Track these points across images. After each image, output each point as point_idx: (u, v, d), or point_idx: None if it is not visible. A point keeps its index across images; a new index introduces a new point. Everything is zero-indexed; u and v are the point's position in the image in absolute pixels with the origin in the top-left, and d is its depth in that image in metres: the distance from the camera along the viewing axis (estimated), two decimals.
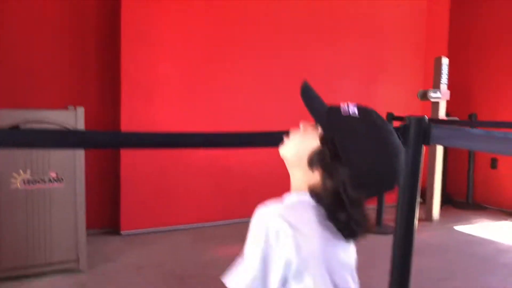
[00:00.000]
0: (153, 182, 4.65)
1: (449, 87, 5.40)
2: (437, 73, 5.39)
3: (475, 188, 6.18)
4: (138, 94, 4.50)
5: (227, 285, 1.02)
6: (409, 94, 5.71)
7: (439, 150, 5.47)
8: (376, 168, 1.02)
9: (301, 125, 1.13)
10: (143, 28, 4.47)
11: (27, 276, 3.42)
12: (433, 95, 5.28)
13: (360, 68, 5.75)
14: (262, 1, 5.05)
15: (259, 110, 5.00)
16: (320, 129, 1.08)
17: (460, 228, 5.21)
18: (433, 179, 5.46)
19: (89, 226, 3.81)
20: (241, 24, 4.94)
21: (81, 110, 3.50)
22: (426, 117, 1.65)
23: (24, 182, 3.40)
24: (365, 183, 1.02)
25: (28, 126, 3.25)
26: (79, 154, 3.55)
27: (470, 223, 5.40)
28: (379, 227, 4.98)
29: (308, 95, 1.12)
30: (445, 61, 5.37)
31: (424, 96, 5.31)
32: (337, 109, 1.07)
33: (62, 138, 1.15)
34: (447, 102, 5.46)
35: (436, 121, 4.84)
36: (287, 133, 1.15)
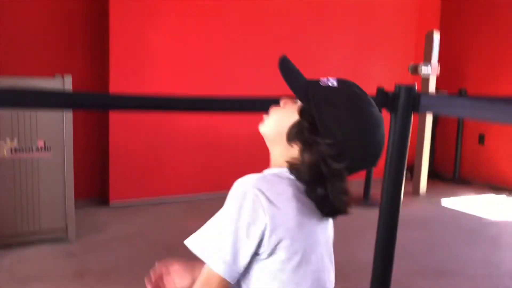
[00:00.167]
0: (142, 153, 4.64)
1: (439, 62, 5.40)
2: (428, 48, 5.37)
3: (462, 164, 6.25)
4: (126, 62, 4.44)
5: (192, 248, 1.00)
6: (400, 69, 5.70)
7: (428, 125, 5.50)
8: (356, 138, 1.00)
9: (281, 102, 1.11)
10: None
11: (15, 245, 3.42)
12: (423, 69, 5.28)
13: (351, 42, 5.71)
14: None
15: (247, 78, 4.95)
16: (299, 103, 1.07)
17: (446, 202, 5.29)
18: (421, 153, 5.50)
19: (77, 196, 3.81)
20: None
21: (68, 79, 3.44)
22: (416, 85, 1.65)
23: (11, 151, 3.36)
24: (346, 154, 0.99)
25: None
26: (68, 124, 3.52)
27: (456, 197, 5.48)
28: (366, 201, 5.04)
29: (286, 68, 1.10)
30: (436, 35, 5.35)
31: (414, 70, 5.30)
32: (316, 82, 1.06)
33: (49, 98, 1.13)
34: (437, 77, 5.47)
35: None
36: (266, 111, 1.13)
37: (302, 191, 1.02)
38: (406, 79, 5.65)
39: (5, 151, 3.33)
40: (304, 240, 1.01)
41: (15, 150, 3.37)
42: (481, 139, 6.12)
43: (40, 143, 3.45)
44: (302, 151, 1.03)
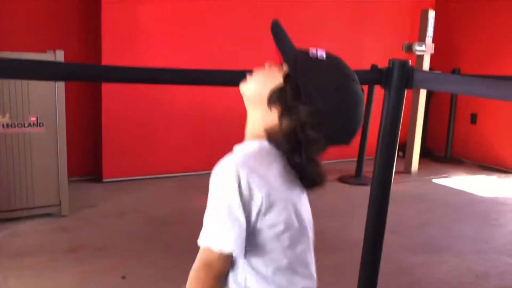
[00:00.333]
0: (136, 130, 4.63)
1: (434, 41, 5.39)
2: (423, 26, 5.35)
3: (454, 143, 6.29)
4: (119, 38, 4.39)
5: (214, 248, 0.97)
6: (394, 47, 5.67)
7: (421, 104, 5.52)
8: (336, 111, 1.01)
9: (266, 65, 1.11)
10: None
11: (9, 220, 3.43)
12: (418, 48, 5.26)
13: (345, 20, 5.68)
14: None
15: (239, 53, 4.91)
16: (285, 68, 1.07)
17: (437, 180, 5.35)
18: (413, 132, 5.53)
19: (71, 173, 3.81)
20: None
21: (60, 54, 3.41)
22: (410, 61, 1.65)
23: (3, 126, 3.35)
24: (324, 125, 1.00)
25: None
26: (60, 99, 3.50)
27: (448, 176, 5.53)
28: (359, 178, 5.08)
29: (278, 32, 1.10)
30: (431, 13, 5.32)
31: (409, 49, 5.29)
32: (305, 51, 1.06)
33: (41, 69, 1.12)
34: (431, 56, 5.46)
35: None
36: (250, 72, 1.12)
37: (286, 163, 1.03)
38: (401, 57, 5.62)
39: None
40: (292, 212, 1.04)
41: (7, 126, 3.35)
42: (473, 118, 6.15)
43: (33, 119, 3.43)
44: (281, 116, 1.03)
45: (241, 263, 1.02)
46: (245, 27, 4.99)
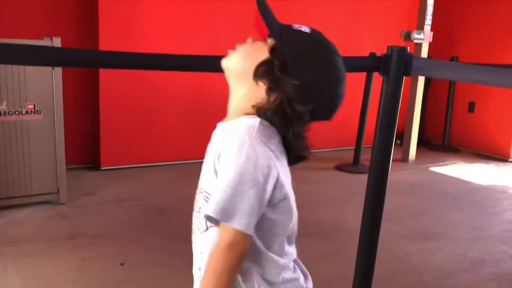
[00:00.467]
0: (134, 117, 4.62)
1: (432, 29, 5.37)
2: (422, 14, 5.33)
3: (451, 131, 6.30)
4: (115, 25, 4.37)
5: (244, 231, 0.93)
6: (392, 35, 5.65)
7: (419, 92, 5.52)
8: (322, 83, 1.01)
9: (249, 40, 1.09)
10: None
11: (7, 207, 3.44)
12: (416, 36, 5.25)
13: (343, 8, 5.64)
14: None
15: (237, 39, 4.89)
16: (270, 41, 1.05)
17: (434, 168, 5.36)
18: (411, 120, 5.54)
19: (69, 161, 3.81)
20: None
21: (57, 40, 3.39)
22: (408, 48, 1.64)
23: (0, 114, 3.34)
24: (310, 98, 1.00)
25: None
26: (57, 87, 3.48)
27: (445, 164, 5.55)
28: (356, 167, 5.09)
29: (263, 5, 1.07)
30: (430, 1, 5.30)
31: (407, 37, 5.28)
32: (289, 25, 1.06)
33: (38, 54, 1.11)
34: (430, 44, 5.45)
35: None
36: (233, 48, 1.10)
37: (279, 138, 1.03)
38: (399, 45, 5.61)
39: None
40: (290, 186, 1.05)
41: (4, 113, 3.35)
42: (471, 107, 6.15)
43: (30, 106, 3.42)
44: (269, 90, 1.01)
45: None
46: (245, 13, 4.96)
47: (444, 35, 6.04)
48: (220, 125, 1.11)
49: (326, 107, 1.04)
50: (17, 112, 3.39)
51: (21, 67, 3.35)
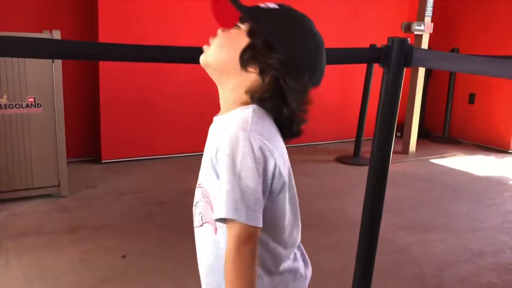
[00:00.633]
0: (134, 111, 4.61)
1: (433, 20, 5.35)
2: (422, 5, 5.31)
3: (452, 123, 6.30)
4: (115, 19, 4.35)
5: (253, 223, 0.93)
6: (393, 26, 5.63)
7: (420, 84, 5.51)
8: (307, 52, 1.01)
9: (219, 31, 1.07)
10: None
11: (9, 200, 3.45)
12: (417, 27, 5.23)
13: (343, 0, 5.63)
14: None
15: None
16: (244, 26, 1.03)
17: (435, 160, 5.37)
18: (412, 112, 5.53)
19: (70, 155, 3.81)
20: None
21: (57, 33, 3.38)
22: (409, 39, 1.64)
23: (0, 107, 3.34)
24: (301, 69, 1.00)
25: None
26: (57, 80, 3.48)
27: (445, 156, 5.55)
28: (357, 159, 5.10)
29: None
30: None
31: (408, 28, 5.26)
32: (255, 5, 1.03)
33: (38, 46, 1.11)
34: (430, 35, 5.43)
35: None
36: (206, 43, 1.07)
37: (272, 119, 1.02)
38: (399, 37, 5.59)
39: None
40: (288, 165, 1.05)
41: (5, 106, 3.34)
42: (472, 98, 6.15)
43: (30, 99, 3.42)
44: (260, 73, 1.00)
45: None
46: None
47: (444, 27, 6.02)
48: (215, 119, 1.11)
49: (317, 73, 1.04)
50: (17, 106, 3.39)
51: (21, 61, 3.34)
